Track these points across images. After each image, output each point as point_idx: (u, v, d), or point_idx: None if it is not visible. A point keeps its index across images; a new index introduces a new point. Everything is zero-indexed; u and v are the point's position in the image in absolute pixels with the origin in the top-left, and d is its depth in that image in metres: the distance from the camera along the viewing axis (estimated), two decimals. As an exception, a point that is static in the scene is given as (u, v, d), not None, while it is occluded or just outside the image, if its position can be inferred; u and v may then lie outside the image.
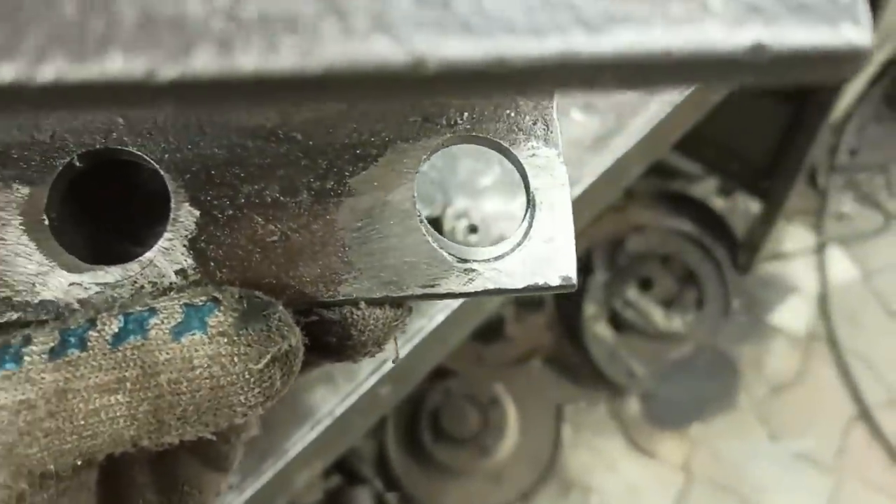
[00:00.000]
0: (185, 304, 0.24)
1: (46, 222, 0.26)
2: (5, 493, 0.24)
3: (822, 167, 1.94)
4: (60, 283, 0.26)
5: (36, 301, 0.26)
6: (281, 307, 0.25)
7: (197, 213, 0.27)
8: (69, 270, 0.26)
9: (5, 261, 0.26)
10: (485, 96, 0.26)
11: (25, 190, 0.26)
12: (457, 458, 1.58)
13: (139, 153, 0.27)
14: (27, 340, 0.24)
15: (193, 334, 0.24)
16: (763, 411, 1.77)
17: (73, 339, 0.24)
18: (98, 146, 0.27)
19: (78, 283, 0.26)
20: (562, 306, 1.74)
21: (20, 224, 0.26)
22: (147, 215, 0.30)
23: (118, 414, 0.24)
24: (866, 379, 1.78)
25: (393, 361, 0.29)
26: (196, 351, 0.24)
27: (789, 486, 1.69)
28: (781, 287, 1.89)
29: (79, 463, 0.24)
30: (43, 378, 0.24)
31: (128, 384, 0.24)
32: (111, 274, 0.26)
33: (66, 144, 0.26)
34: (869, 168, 1.98)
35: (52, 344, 0.24)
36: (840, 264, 1.90)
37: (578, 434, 1.75)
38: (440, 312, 0.71)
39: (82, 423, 0.24)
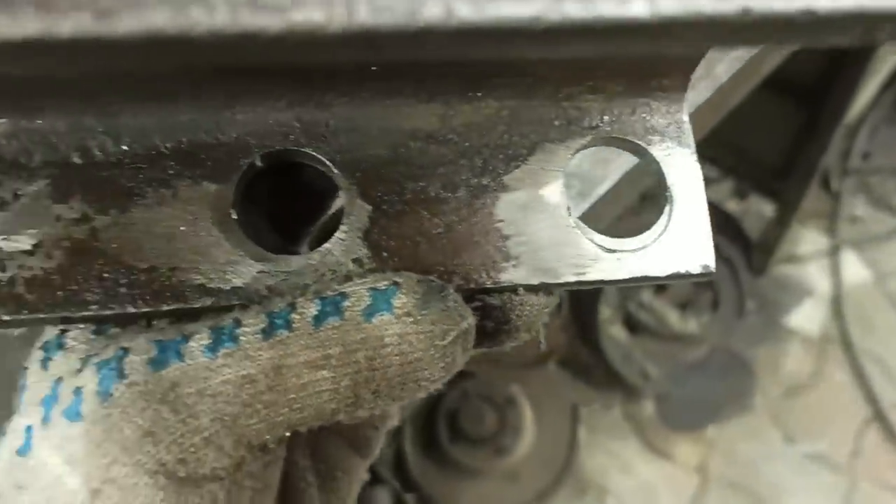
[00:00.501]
0: (371, 289, 0.26)
1: (234, 216, 0.28)
2: (229, 461, 0.26)
3: (835, 170, 1.95)
4: (249, 271, 0.28)
5: (228, 288, 0.28)
6: (454, 290, 0.27)
7: (369, 207, 0.29)
8: (256, 260, 0.28)
9: (199, 251, 0.28)
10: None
11: (213, 187, 0.28)
12: (474, 458, 1.60)
13: (315, 154, 0.29)
14: (238, 323, 0.26)
15: (382, 315, 0.26)
16: (778, 413, 1.78)
17: (279, 321, 0.26)
18: (278, 148, 0.29)
19: (265, 272, 0.28)
20: (576, 308, 1.76)
21: (210, 218, 0.28)
22: (301, 213, 0.33)
23: (323, 388, 0.26)
24: (880, 380, 1.78)
25: (539, 348, 0.32)
26: (386, 330, 0.26)
27: (804, 487, 1.70)
28: (796, 289, 1.90)
29: (287, 434, 0.26)
30: (260, 355, 0.25)
31: (332, 361, 0.26)
32: (295, 263, 0.28)
33: (249, 146, 0.29)
34: (881, 171, 1.99)
35: (262, 325, 0.26)
36: (853, 267, 1.91)
37: (594, 435, 1.76)
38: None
39: (293, 396, 0.26)
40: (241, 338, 0.26)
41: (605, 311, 1.76)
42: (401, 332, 0.26)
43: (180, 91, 0.28)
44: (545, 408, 1.70)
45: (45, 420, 0.26)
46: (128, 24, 0.18)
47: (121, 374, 0.25)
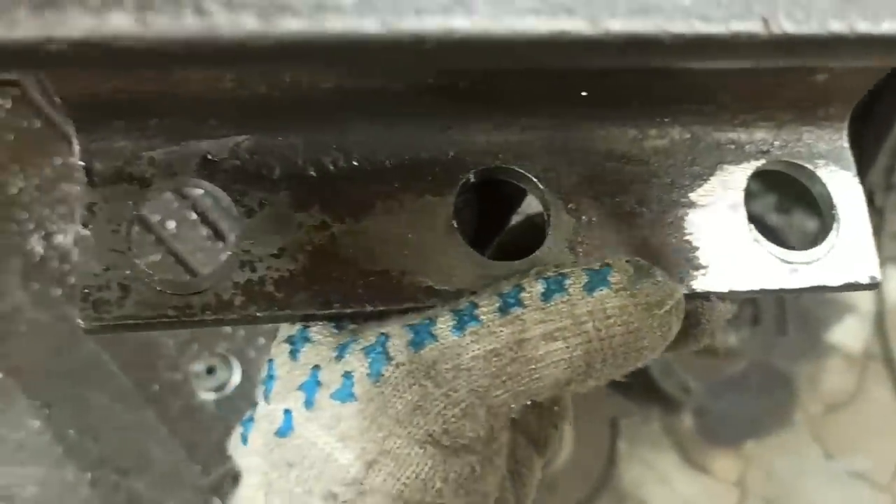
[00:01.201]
0: (587, 269, 0.29)
1: (455, 225, 0.31)
2: (483, 432, 0.28)
3: (879, 187, 1.94)
4: (470, 274, 0.31)
5: (453, 290, 0.31)
6: (660, 270, 0.30)
7: (573, 220, 0.32)
8: (475, 264, 0.31)
9: (425, 257, 0.31)
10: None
11: (434, 199, 0.32)
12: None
13: (524, 172, 0.32)
14: (475, 305, 0.29)
15: (601, 290, 0.28)
16: (818, 429, 1.77)
17: (511, 300, 0.29)
18: (491, 165, 0.32)
19: (484, 275, 0.31)
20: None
21: (433, 227, 0.31)
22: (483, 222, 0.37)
23: (558, 358, 0.28)
24: (924, 399, 1.77)
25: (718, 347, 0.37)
26: (607, 303, 0.28)
27: (845, 504, 1.69)
28: (838, 305, 1.89)
29: (528, 403, 0.29)
30: (501, 331, 0.28)
31: (565, 332, 0.28)
32: (509, 267, 0.31)
33: (465, 163, 0.32)
34: (926, 188, 1.97)
35: (497, 304, 0.28)
36: (896, 284, 1.90)
37: (633, 448, 1.77)
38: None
39: (533, 367, 0.28)
40: (482, 317, 0.28)
41: (646, 324, 1.76)
42: (620, 305, 0.28)
43: (404, 114, 0.32)
44: (584, 420, 1.71)
45: (309, 404, 0.29)
46: (412, 24, 0.22)
47: (387, 357, 0.28)
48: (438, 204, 0.31)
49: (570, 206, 0.32)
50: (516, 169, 0.32)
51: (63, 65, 0.22)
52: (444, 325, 0.29)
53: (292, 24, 0.22)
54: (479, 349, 0.28)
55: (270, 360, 0.31)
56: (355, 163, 0.32)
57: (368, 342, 0.29)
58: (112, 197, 0.31)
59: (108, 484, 0.75)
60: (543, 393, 0.29)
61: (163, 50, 0.22)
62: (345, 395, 0.28)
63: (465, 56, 0.23)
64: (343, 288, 0.30)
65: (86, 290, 0.30)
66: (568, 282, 0.29)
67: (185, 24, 0.21)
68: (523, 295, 0.29)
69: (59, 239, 0.70)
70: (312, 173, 0.32)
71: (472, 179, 0.32)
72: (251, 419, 0.31)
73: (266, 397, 0.30)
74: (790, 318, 1.84)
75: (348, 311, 0.30)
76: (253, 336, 0.65)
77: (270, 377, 0.31)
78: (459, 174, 0.32)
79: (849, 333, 1.87)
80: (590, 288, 0.29)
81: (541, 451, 0.37)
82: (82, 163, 0.32)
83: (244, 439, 0.31)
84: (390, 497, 0.28)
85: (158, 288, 0.30)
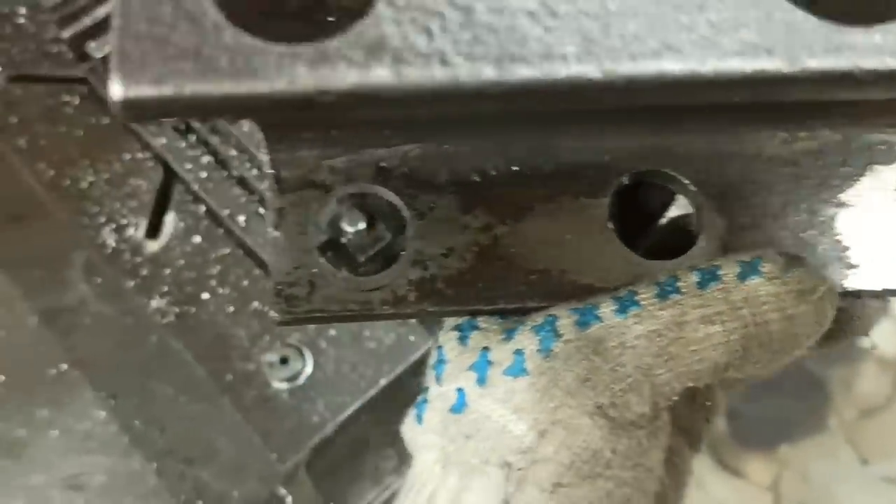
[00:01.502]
0: (738, 261, 0.30)
1: (611, 227, 0.33)
2: (648, 408, 0.30)
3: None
4: (628, 273, 0.32)
5: (611, 287, 0.32)
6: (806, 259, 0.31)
7: (724, 221, 0.33)
8: (632, 264, 0.32)
9: (583, 257, 0.33)
10: None
11: (590, 202, 0.33)
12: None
13: (676, 175, 0.34)
14: (634, 293, 0.30)
15: (754, 278, 0.30)
16: (853, 434, 1.76)
17: (669, 288, 0.30)
18: (644, 169, 0.34)
19: (642, 274, 0.32)
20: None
21: (591, 229, 0.33)
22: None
23: (717, 342, 0.29)
24: (961, 404, 1.75)
25: (871, 348, 0.38)
26: (760, 291, 0.29)
27: (880, 509, 1.68)
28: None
29: (690, 385, 0.30)
30: (661, 314, 0.30)
31: (722, 317, 0.29)
32: (661, 267, 0.33)
33: (619, 167, 0.34)
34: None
35: (655, 291, 0.30)
36: (931, 288, 1.88)
37: (666, 450, 1.76)
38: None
39: (694, 349, 0.29)
40: (643, 302, 0.30)
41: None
42: (774, 292, 0.30)
43: (563, 124, 0.33)
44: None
45: (481, 381, 0.30)
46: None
47: (556, 334, 0.30)
48: (594, 206, 0.33)
49: (721, 207, 0.33)
50: (669, 172, 0.34)
51: (329, 111, 0.26)
52: (607, 308, 0.30)
53: (524, 72, 0.25)
54: (642, 329, 0.29)
55: (440, 347, 0.33)
56: (515, 168, 0.34)
57: (537, 322, 0.31)
58: (298, 202, 0.34)
59: (174, 473, 0.76)
60: (703, 377, 0.30)
61: (414, 97, 0.25)
62: (517, 370, 0.30)
63: (672, 94, 0.26)
64: (507, 286, 0.32)
65: (279, 287, 0.33)
66: (721, 272, 0.30)
67: (433, 75, 0.25)
68: (680, 284, 0.30)
69: (131, 232, 0.71)
70: (476, 178, 0.34)
71: (626, 182, 0.34)
72: (424, 401, 0.32)
73: (438, 380, 0.32)
74: (824, 321, 1.83)
75: (512, 306, 0.32)
76: (324, 327, 0.66)
77: (441, 361, 0.32)
78: (614, 177, 0.33)
79: (884, 337, 1.86)
80: (742, 277, 0.30)
81: (693, 445, 0.38)
82: (272, 171, 0.34)
83: (419, 419, 0.32)
84: (562, 465, 0.29)
85: (341, 285, 0.33)
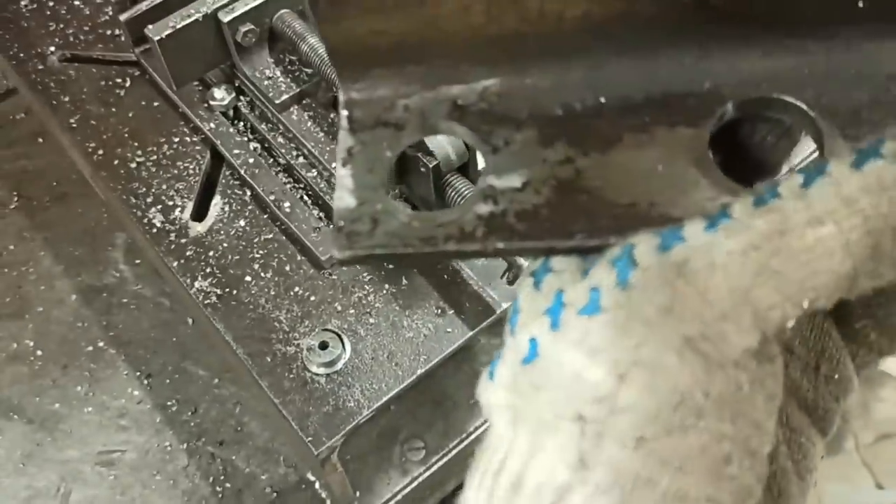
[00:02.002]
0: (854, 150, 0.26)
1: (711, 156, 0.30)
2: (749, 340, 0.26)
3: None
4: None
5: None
6: None
7: (851, 147, 0.29)
8: (733, 195, 0.29)
9: (677, 188, 0.30)
10: None
11: (688, 132, 0.31)
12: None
13: (793, 100, 0.30)
14: (726, 206, 0.27)
15: (873, 162, 0.25)
16: (870, 457, 1.75)
17: (766, 196, 0.26)
18: (754, 97, 0.31)
19: None
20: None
21: (687, 158, 0.30)
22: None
23: (832, 244, 0.25)
24: (980, 432, 1.74)
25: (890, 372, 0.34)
26: (884, 174, 0.25)
27: (895, 535, 1.67)
28: (895, 333, 1.87)
29: (805, 306, 0.26)
30: (757, 223, 0.25)
31: (835, 215, 0.25)
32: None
33: (723, 95, 0.31)
34: None
35: (751, 200, 0.26)
36: (954, 315, 1.87)
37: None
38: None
39: (803, 259, 0.25)
40: (735, 214, 0.26)
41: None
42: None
43: (657, 42, 0.31)
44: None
45: (554, 326, 0.27)
46: None
47: (634, 263, 0.26)
48: (693, 136, 0.30)
49: (846, 133, 0.30)
50: (783, 98, 0.30)
51: None
52: (693, 227, 0.26)
53: None
54: (733, 244, 0.25)
55: (516, 299, 0.30)
56: (602, 100, 0.32)
57: (615, 254, 0.27)
58: (369, 141, 0.33)
59: (205, 454, 0.77)
60: (822, 292, 0.25)
61: None
62: (593, 308, 0.26)
63: None
64: (587, 219, 0.30)
65: (341, 223, 0.31)
66: (830, 166, 0.25)
67: None
68: (780, 188, 0.26)
69: (177, 213, 0.73)
70: (559, 112, 0.32)
71: (731, 111, 0.31)
72: (498, 356, 0.29)
73: (512, 331, 0.29)
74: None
75: (592, 243, 0.29)
76: (363, 314, 0.67)
77: (515, 311, 0.30)
78: (716, 106, 0.31)
79: (904, 363, 1.85)
80: (858, 164, 0.25)
81: (820, 426, 0.33)
82: (345, 111, 0.34)
83: (491, 375, 0.29)
84: (645, 415, 0.25)
85: (405, 220, 0.31)
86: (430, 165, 0.63)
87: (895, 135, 0.26)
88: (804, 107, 0.30)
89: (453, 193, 0.65)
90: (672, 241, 0.26)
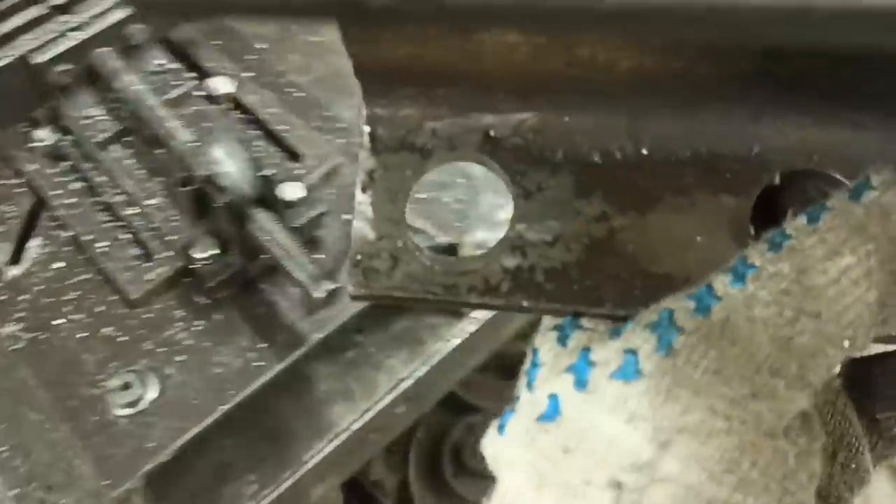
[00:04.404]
0: (845, 188, 0.26)
1: (752, 231, 0.28)
2: (802, 398, 0.25)
3: None
4: None
5: None
6: None
7: None
8: None
9: (715, 264, 0.26)
10: None
11: (731, 200, 0.29)
12: (478, 492, 1.61)
13: (841, 178, 0.28)
14: (743, 256, 0.26)
15: (867, 193, 0.26)
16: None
17: (777, 239, 0.26)
18: (802, 168, 0.29)
19: None
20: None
21: (727, 231, 0.28)
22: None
23: (855, 274, 0.25)
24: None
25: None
26: (882, 201, 0.25)
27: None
28: None
29: (846, 346, 0.25)
30: (780, 268, 0.25)
31: (848, 244, 0.25)
32: None
33: (770, 162, 0.29)
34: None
35: (765, 246, 0.26)
36: None
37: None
38: (455, 337, 0.76)
39: (831, 294, 0.25)
40: (756, 262, 0.25)
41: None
42: None
43: (709, 100, 0.29)
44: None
45: (580, 385, 0.26)
46: None
47: (676, 328, 0.25)
48: (735, 206, 0.28)
49: None
50: (835, 176, 0.28)
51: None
52: (721, 283, 0.25)
53: None
54: (767, 294, 0.25)
55: (535, 350, 0.29)
56: (645, 151, 0.29)
57: (651, 319, 0.26)
58: (392, 165, 0.30)
59: (33, 500, 0.76)
60: (860, 332, 0.25)
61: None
62: (629, 372, 0.25)
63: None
64: (619, 287, 0.28)
65: (358, 257, 0.29)
66: (829, 202, 0.26)
67: None
68: (789, 230, 0.25)
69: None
70: (597, 160, 0.29)
71: (777, 181, 0.29)
72: (511, 410, 0.28)
73: (529, 386, 0.27)
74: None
75: (622, 313, 0.27)
76: (173, 352, 0.67)
77: (534, 365, 0.28)
78: (763, 174, 0.28)
79: None
80: (854, 197, 0.25)
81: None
82: (367, 128, 0.31)
83: (501, 430, 0.27)
84: (687, 487, 0.23)
85: (427, 263, 0.29)
86: (222, 203, 0.63)
87: (877, 170, 0.26)
88: (842, 179, 0.28)
89: (256, 229, 0.65)
90: (709, 302, 0.25)
